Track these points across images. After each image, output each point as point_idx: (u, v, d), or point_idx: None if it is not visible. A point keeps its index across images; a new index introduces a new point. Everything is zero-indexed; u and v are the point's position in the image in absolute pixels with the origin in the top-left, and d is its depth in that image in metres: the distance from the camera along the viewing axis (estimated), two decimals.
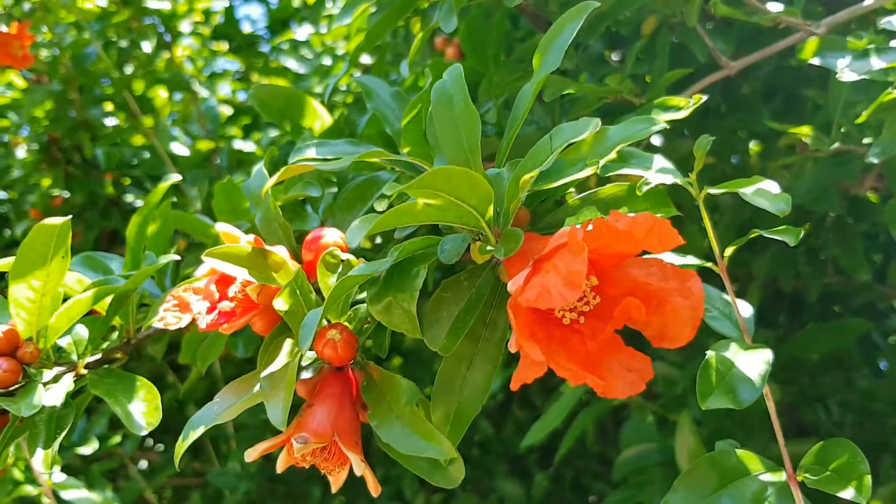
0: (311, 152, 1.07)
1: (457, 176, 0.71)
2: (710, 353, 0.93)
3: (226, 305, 0.94)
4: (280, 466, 0.95)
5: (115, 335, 1.26)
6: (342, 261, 0.97)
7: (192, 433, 0.89)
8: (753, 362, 0.92)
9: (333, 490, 0.96)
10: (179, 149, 2.84)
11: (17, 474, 1.93)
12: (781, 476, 0.90)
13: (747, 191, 0.92)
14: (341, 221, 1.13)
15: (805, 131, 1.44)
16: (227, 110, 3.36)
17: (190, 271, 1.45)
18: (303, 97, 1.34)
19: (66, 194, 3.13)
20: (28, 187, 3.31)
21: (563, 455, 2.16)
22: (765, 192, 0.92)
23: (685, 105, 1.08)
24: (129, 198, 3.19)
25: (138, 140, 3.16)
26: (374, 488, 0.91)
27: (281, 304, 0.87)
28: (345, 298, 0.93)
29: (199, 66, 3.28)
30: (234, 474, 2.89)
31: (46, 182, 3.15)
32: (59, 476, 1.92)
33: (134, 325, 1.25)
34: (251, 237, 0.97)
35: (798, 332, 2.21)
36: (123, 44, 3.11)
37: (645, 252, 0.74)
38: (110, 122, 3.04)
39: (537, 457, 3.14)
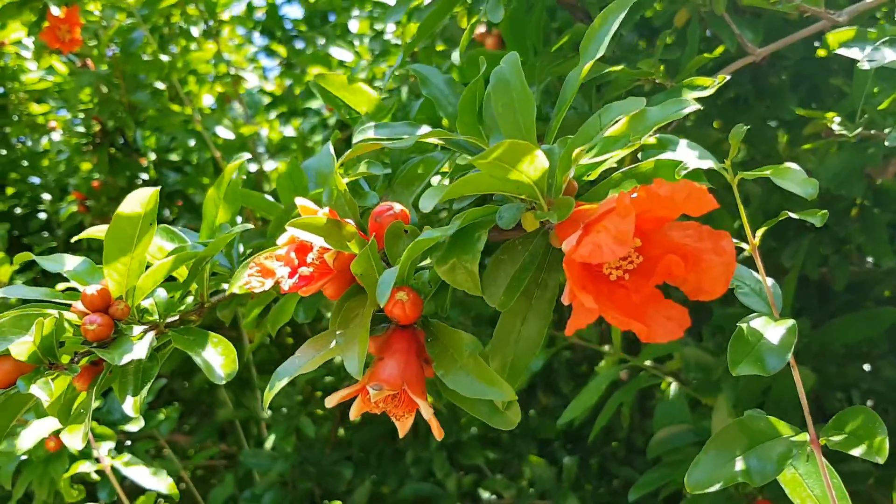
0: (373, 133, 1.19)
1: (520, 149, 0.82)
2: (741, 325, 1.04)
3: (305, 271, 1.07)
4: (354, 413, 1.08)
5: (189, 300, 1.39)
6: (405, 231, 1.09)
7: (278, 383, 1.02)
8: (782, 333, 1.02)
9: (400, 435, 1.08)
10: (224, 133, 2.96)
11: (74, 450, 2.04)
12: (805, 439, 1.00)
13: (777, 176, 1.01)
14: (400, 197, 1.25)
15: (831, 117, 1.54)
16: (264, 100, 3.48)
17: (251, 247, 1.58)
18: (357, 85, 1.46)
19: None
20: (70, 170, 3.44)
21: (596, 434, 2.27)
22: (794, 176, 1.01)
23: (710, 84, 1.19)
24: (169, 181, 3.33)
25: (179, 124, 3.28)
26: (437, 433, 1.03)
27: (357, 267, 0.99)
28: (411, 264, 1.05)
29: (244, 52, 3.40)
30: (267, 455, 2.98)
31: (86, 165, 3.27)
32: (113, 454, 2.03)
33: (207, 290, 1.39)
34: (326, 210, 1.09)
35: (827, 320, 2.29)
36: (168, 30, 3.22)
37: (683, 217, 0.85)
38: (155, 106, 3.16)
39: (562, 442, 3.25)
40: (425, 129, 1.19)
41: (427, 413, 1.00)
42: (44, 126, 3.60)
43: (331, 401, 1.03)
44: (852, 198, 2.01)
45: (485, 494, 2.89)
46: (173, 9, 3.20)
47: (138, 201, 1.16)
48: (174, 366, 3.20)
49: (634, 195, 0.82)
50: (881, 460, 0.94)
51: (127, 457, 2.01)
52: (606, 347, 2.21)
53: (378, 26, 3.10)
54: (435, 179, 1.25)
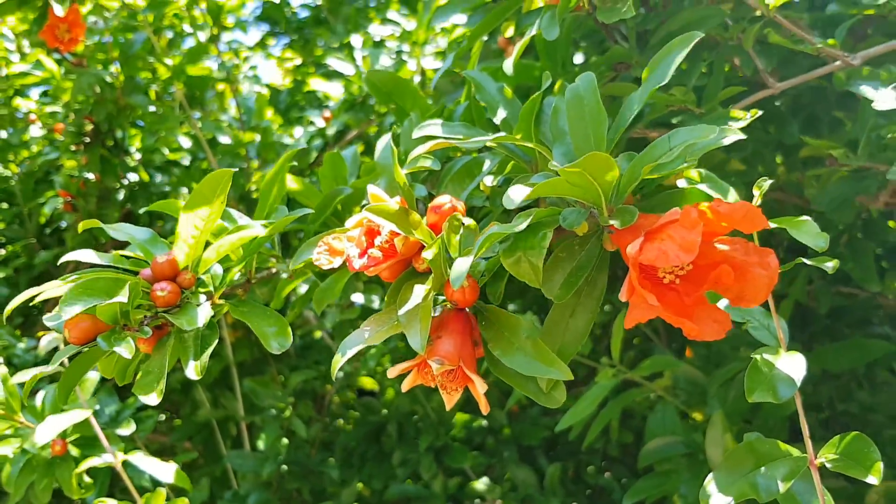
0: (437, 131, 1.33)
1: (601, 160, 0.98)
2: (755, 357, 1.21)
3: (375, 252, 1.21)
4: (406, 386, 1.22)
5: (237, 276, 1.51)
6: (464, 224, 1.23)
7: (349, 351, 1.15)
8: (791, 365, 1.20)
9: (447, 407, 1.23)
10: (223, 138, 3.09)
11: (75, 451, 2.11)
12: (806, 461, 1.17)
13: (793, 227, 1.17)
14: (453, 192, 1.40)
15: (836, 147, 1.72)
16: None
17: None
18: (409, 83, 1.61)
19: (91, 176, 3.31)
20: (45, 163, 3.50)
21: (590, 441, 2.42)
22: (808, 229, 1.16)
23: (743, 117, 1.36)
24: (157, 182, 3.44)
25: (176, 127, 3.38)
26: (484, 407, 1.18)
27: (429, 253, 1.14)
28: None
29: (242, 56, 3.50)
30: (253, 457, 3.05)
31: (71, 164, 3.33)
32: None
33: (254, 268, 1.51)
34: (398, 198, 1.23)
35: (807, 343, 2.47)
36: (170, 34, 3.31)
37: (735, 233, 1.01)
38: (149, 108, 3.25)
39: (543, 449, 3.43)
40: (479, 131, 1.34)
41: (482, 388, 1.15)
42: (21, 119, 3.62)
43: (392, 372, 1.18)
44: (843, 224, 2.20)
45: (469, 497, 3.03)
46: (176, 17, 3.29)
47: (216, 180, 1.29)
48: None
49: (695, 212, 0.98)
50: (876, 481, 1.11)
51: (138, 452, 2.08)
52: (604, 360, 2.38)
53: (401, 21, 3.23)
54: (487, 179, 1.40)
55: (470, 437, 3.25)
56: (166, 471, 2.04)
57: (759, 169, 2.43)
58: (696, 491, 2.00)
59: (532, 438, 3.25)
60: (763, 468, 1.16)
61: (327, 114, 3.40)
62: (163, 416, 3.81)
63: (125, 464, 2.08)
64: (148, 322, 1.29)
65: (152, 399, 1.20)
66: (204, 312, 1.30)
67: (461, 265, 1.08)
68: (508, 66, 1.52)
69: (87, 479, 2.09)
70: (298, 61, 3.97)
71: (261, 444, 3.04)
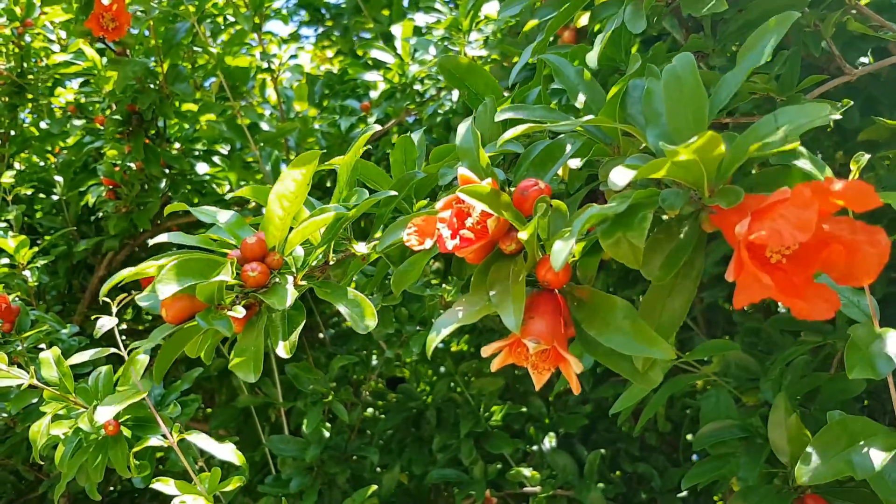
0: (520, 115, 1.34)
1: (710, 140, 0.97)
2: (851, 333, 1.21)
3: (467, 233, 1.21)
4: (495, 365, 1.22)
5: (315, 258, 1.52)
6: (550, 206, 1.24)
7: (444, 330, 1.16)
8: (889, 342, 1.19)
9: (537, 387, 1.23)
10: (265, 125, 3.10)
11: (127, 432, 2.12)
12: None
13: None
14: (535, 176, 1.39)
15: None
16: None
17: None
18: (482, 69, 1.61)
19: (133, 165, 3.34)
20: (81, 151, 3.52)
21: (641, 427, 2.43)
22: None
23: (835, 105, 1.36)
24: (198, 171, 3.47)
25: (221, 115, 3.39)
26: (575, 387, 1.18)
27: (524, 234, 1.14)
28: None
29: (280, 47, 3.52)
30: (295, 442, 3.07)
31: (113, 152, 3.35)
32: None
33: (332, 250, 1.52)
34: (489, 180, 1.23)
35: None
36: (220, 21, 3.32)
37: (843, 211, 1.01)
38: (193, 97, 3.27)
39: (581, 436, 3.45)
40: (558, 114, 1.34)
41: (577, 368, 1.15)
42: (63, 109, 3.62)
43: (486, 351, 1.19)
44: None
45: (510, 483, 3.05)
46: (214, 7, 3.30)
47: (302, 162, 1.30)
48: None
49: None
50: None
51: (194, 433, 2.10)
52: None
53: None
54: (572, 162, 1.40)
55: (510, 423, 3.26)
56: (224, 450, 2.05)
57: (818, 153, 2.43)
58: (755, 473, 2.01)
59: (571, 426, 3.26)
60: (860, 445, 1.15)
61: (366, 103, 3.41)
62: None
63: (180, 443, 2.09)
64: (238, 302, 1.30)
65: (250, 377, 1.21)
66: (291, 292, 1.31)
67: (562, 247, 1.08)
68: (592, 59, 1.51)
69: (134, 460, 2.09)
70: (330, 54, 3.96)
71: (304, 429, 3.05)
